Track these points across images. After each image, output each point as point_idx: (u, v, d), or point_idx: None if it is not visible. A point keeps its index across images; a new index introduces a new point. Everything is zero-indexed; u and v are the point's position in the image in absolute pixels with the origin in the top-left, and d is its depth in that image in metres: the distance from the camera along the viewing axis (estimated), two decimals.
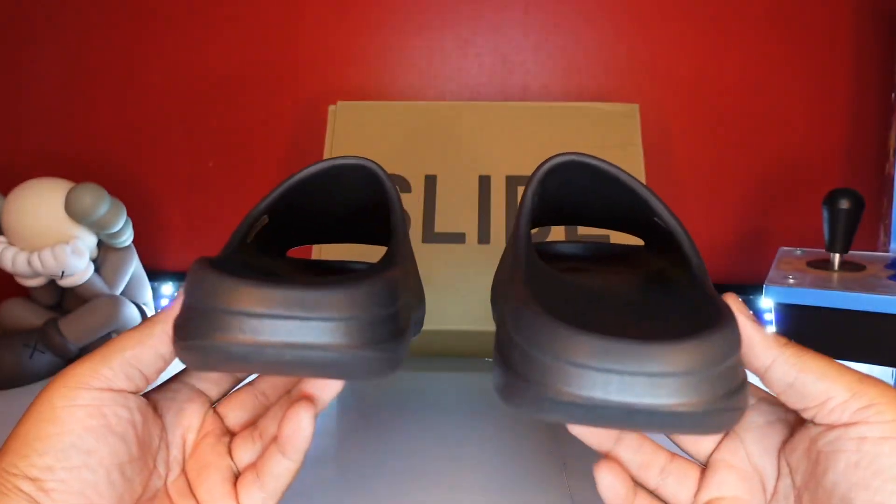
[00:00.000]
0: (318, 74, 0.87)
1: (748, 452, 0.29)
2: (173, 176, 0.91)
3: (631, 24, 0.84)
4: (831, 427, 0.25)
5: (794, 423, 0.28)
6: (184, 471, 0.30)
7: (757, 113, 0.84)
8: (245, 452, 0.31)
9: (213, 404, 0.33)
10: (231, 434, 0.32)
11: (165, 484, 0.29)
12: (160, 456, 0.29)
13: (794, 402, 0.26)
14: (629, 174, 0.34)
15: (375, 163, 0.37)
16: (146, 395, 0.30)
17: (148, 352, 0.27)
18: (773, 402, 0.29)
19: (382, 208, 0.38)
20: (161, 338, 0.27)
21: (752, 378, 0.30)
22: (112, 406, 0.26)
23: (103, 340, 0.75)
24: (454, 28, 0.85)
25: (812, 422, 0.26)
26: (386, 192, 0.37)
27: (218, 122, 0.89)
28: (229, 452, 0.31)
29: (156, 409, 0.30)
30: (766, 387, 0.27)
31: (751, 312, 0.27)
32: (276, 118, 0.88)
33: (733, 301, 0.28)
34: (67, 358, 0.74)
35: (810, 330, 0.56)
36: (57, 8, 0.88)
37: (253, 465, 0.30)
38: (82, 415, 0.25)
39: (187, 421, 0.31)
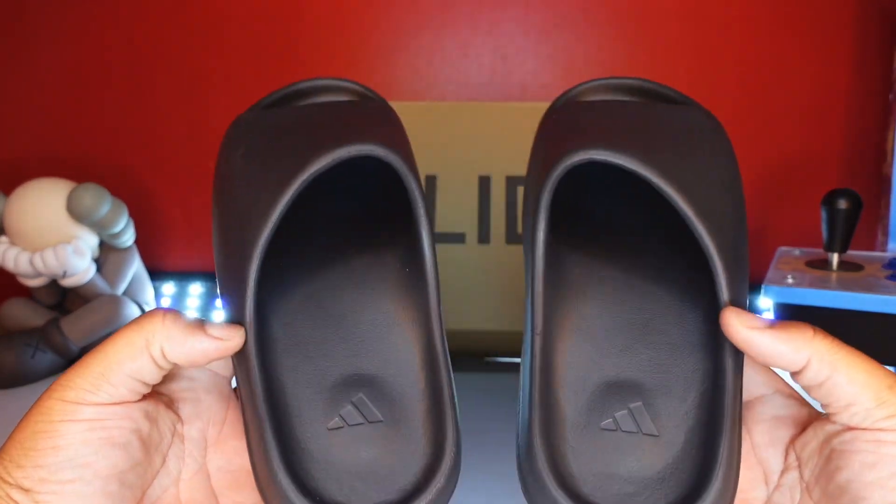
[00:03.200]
0: (318, 74, 0.87)
1: (754, 444, 0.28)
2: (174, 176, 0.91)
3: (631, 24, 0.84)
4: (849, 428, 0.25)
5: (807, 418, 0.28)
6: (205, 468, 0.29)
7: (756, 113, 0.84)
8: None
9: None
10: None
11: (178, 481, 0.28)
12: (172, 452, 0.28)
13: (818, 398, 0.26)
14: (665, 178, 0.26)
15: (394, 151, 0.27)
16: (160, 384, 0.28)
17: (149, 365, 0.26)
18: (787, 394, 0.29)
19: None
20: (158, 353, 0.26)
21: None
22: (115, 419, 0.25)
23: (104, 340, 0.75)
24: (454, 28, 0.86)
25: (830, 419, 0.26)
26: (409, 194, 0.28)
27: (218, 122, 0.89)
28: None
29: (170, 401, 0.28)
30: (793, 379, 0.27)
31: (759, 320, 0.25)
32: None
33: (734, 319, 0.25)
34: (69, 358, 0.74)
35: None
36: (59, 9, 0.88)
37: None
38: (81, 429, 0.25)
39: (207, 414, 0.29)
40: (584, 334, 0.29)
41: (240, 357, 0.27)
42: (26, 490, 0.24)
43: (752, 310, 0.27)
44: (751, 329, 0.25)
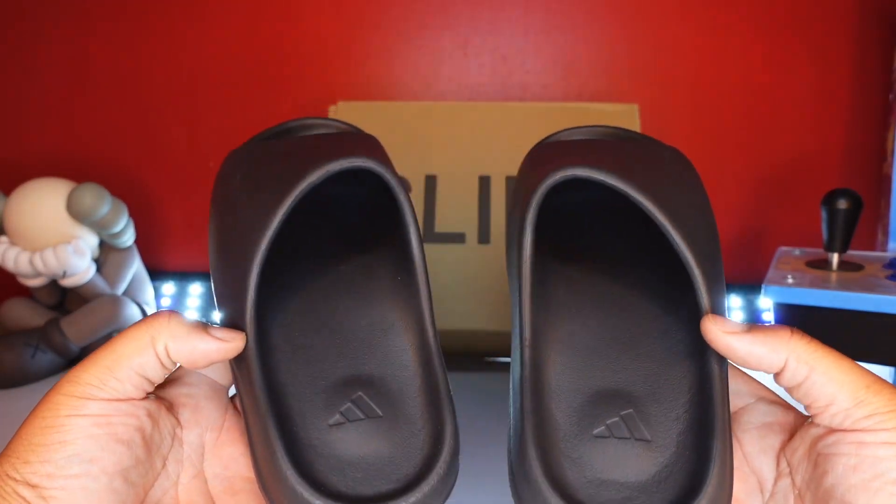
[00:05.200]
0: (318, 74, 0.87)
1: (745, 453, 0.28)
2: (174, 176, 0.91)
3: (631, 24, 0.84)
4: (832, 430, 0.25)
5: (794, 423, 0.28)
6: (202, 473, 0.29)
7: (756, 113, 0.84)
8: None
9: (233, 397, 0.31)
10: None
11: (176, 484, 0.28)
12: (172, 455, 0.28)
13: (799, 398, 0.26)
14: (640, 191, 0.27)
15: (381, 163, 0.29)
16: (162, 388, 0.29)
17: (153, 361, 0.27)
18: (770, 401, 0.29)
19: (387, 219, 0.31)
20: (162, 351, 0.27)
21: (750, 373, 0.30)
22: (119, 416, 0.26)
23: (105, 340, 0.75)
24: (454, 28, 0.86)
25: (813, 421, 0.26)
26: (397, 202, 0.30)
27: (218, 122, 0.89)
28: None
29: (171, 405, 0.29)
30: (775, 380, 0.27)
31: (737, 325, 0.26)
32: (277, 118, 0.88)
33: (713, 326, 0.26)
34: (69, 358, 0.74)
35: (809, 330, 0.56)
36: (59, 9, 0.88)
37: None
38: (87, 424, 0.25)
39: (205, 420, 0.30)
40: (572, 348, 0.30)
41: (240, 361, 0.28)
42: (34, 486, 0.24)
43: (748, 315, 0.27)
44: (729, 334, 0.26)
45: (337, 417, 0.29)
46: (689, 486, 0.26)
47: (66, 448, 0.25)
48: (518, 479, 0.27)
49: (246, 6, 0.86)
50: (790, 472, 0.27)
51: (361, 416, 0.29)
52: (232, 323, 0.28)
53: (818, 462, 0.26)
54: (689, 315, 0.29)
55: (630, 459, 0.28)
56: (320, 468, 0.27)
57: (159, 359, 0.27)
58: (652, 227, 0.28)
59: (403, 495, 0.25)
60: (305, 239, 0.33)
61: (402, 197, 0.29)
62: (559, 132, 0.37)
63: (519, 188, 0.33)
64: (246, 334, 0.27)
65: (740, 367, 0.28)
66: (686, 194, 0.30)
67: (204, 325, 0.27)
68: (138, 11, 0.87)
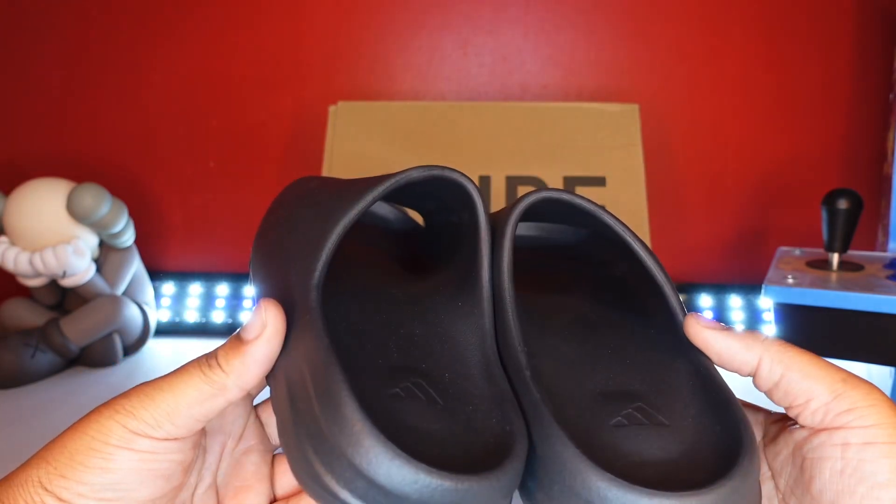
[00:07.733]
0: (318, 74, 0.87)
1: None
2: (174, 176, 0.91)
3: (631, 25, 0.84)
4: (815, 432, 0.25)
5: (764, 422, 0.29)
6: (215, 483, 0.29)
7: (756, 113, 0.84)
8: (287, 476, 0.30)
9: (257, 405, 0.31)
10: (276, 447, 0.30)
11: (193, 496, 0.28)
12: (195, 465, 0.28)
13: (779, 400, 0.26)
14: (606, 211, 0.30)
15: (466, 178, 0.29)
16: None
17: (216, 407, 0.26)
18: (747, 406, 0.29)
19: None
20: (226, 398, 0.26)
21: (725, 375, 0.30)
22: (167, 454, 0.25)
23: (104, 340, 0.75)
24: (454, 28, 0.86)
25: (796, 424, 0.26)
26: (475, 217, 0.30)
27: (218, 122, 0.89)
28: (272, 474, 0.30)
29: None
30: (755, 385, 0.27)
31: (714, 322, 0.28)
32: (277, 118, 0.88)
33: (695, 322, 0.28)
34: (69, 358, 0.74)
35: (809, 330, 0.57)
36: (59, 9, 0.88)
37: (292, 497, 0.29)
38: (135, 458, 0.25)
39: (228, 428, 0.29)
40: (560, 360, 0.30)
41: (302, 319, 0.26)
42: (62, 500, 0.24)
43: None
44: (707, 329, 0.27)
45: (397, 391, 0.26)
46: (727, 449, 0.25)
47: (107, 475, 0.24)
48: (547, 464, 0.24)
49: (246, 6, 0.86)
50: (772, 476, 0.27)
51: (422, 397, 0.27)
52: (298, 283, 0.26)
53: (804, 467, 0.25)
54: (662, 324, 0.30)
55: (655, 441, 0.27)
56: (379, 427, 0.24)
57: (230, 401, 0.26)
58: (619, 245, 0.29)
59: (485, 472, 0.22)
60: (366, 249, 0.32)
61: (481, 212, 0.29)
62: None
63: (493, 218, 0.33)
64: (314, 289, 0.26)
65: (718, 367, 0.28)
66: None
67: (237, 338, 0.26)
68: (138, 11, 0.87)
